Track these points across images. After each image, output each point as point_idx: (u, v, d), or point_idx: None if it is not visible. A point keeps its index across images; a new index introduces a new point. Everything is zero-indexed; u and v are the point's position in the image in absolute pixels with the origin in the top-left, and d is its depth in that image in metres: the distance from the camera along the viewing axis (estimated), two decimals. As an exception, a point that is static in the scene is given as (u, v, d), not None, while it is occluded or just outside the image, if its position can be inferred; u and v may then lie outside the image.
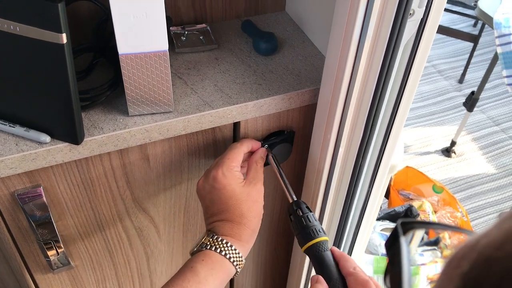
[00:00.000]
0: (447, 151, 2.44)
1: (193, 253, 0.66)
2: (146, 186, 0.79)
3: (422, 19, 0.65)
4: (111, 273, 0.89)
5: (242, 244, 0.66)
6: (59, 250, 0.77)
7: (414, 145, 2.48)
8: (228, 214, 0.67)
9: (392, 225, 1.75)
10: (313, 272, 0.96)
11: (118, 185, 0.76)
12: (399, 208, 1.82)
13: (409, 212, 1.81)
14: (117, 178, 0.75)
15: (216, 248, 0.64)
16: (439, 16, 0.66)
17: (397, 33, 0.63)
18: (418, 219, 1.76)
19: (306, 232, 0.66)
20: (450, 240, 1.70)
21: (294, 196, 0.71)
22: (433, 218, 1.82)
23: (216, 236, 0.65)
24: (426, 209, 1.84)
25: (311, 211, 0.68)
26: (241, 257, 0.66)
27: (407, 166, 2.02)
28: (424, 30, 0.67)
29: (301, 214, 0.67)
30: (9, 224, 0.72)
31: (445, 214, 1.86)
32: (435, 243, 1.72)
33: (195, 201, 0.87)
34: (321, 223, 0.69)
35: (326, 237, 0.66)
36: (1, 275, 0.98)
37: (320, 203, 0.86)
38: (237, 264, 0.65)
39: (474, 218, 2.13)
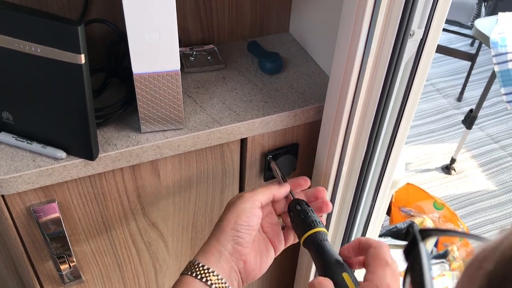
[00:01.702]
0: (447, 168, 2.46)
1: None
2: (156, 201, 0.81)
3: (421, 39, 0.68)
4: (119, 287, 0.91)
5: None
6: (71, 264, 0.79)
7: (414, 163, 2.51)
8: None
9: (394, 241, 1.76)
10: (313, 271, 0.97)
11: (129, 200, 0.78)
12: (401, 224, 1.83)
13: (410, 228, 1.83)
14: (128, 193, 0.77)
15: (191, 272, 0.60)
16: (437, 36, 0.70)
17: (398, 53, 0.66)
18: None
19: (305, 224, 0.65)
20: (458, 252, 1.72)
21: (294, 196, 0.72)
22: (434, 234, 1.84)
23: (193, 261, 0.62)
24: (427, 226, 1.86)
25: (309, 207, 0.69)
26: (220, 277, 0.60)
27: (408, 183, 2.04)
28: (424, 50, 0.70)
29: (299, 208, 0.67)
30: (23, 238, 0.74)
31: (446, 231, 1.88)
32: (444, 256, 1.73)
33: (203, 216, 0.89)
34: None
35: (325, 230, 0.66)
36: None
37: (324, 217, 0.88)
38: (214, 283, 0.60)
39: (475, 235, 2.14)
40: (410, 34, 0.66)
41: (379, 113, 0.73)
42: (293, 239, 0.70)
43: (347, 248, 0.61)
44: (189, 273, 0.59)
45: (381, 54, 0.67)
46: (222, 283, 0.60)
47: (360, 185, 0.83)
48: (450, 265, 1.69)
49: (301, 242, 0.66)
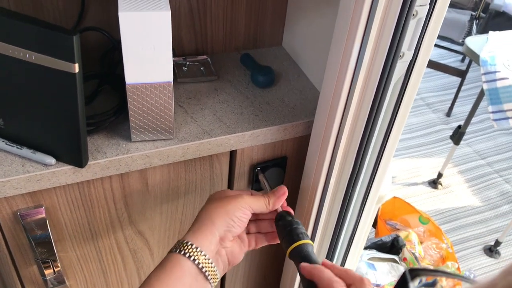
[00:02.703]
0: (434, 183, 2.49)
1: None
2: (143, 210, 0.82)
3: (411, 61, 0.69)
4: (104, 294, 0.91)
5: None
6: (56, 269, 0.79)
7: (401, 176, 2.53)
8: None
9: (379, 254, 1.78)
10: (297, 282, 0.98)
11: (116, 208, 0.79)
12: (386, 238, 1.85)
13: (395, 242, 1.84)
14: (116, 201, 0.78)
15: (176, 249, 0.63)
16: (427, 57, 0.71)
17: (388, 73, 0.68)
18: (405, 248, 1.79)
19: (291, 235, 0.67)
20: (446, 282, 1.73)
21: (281, 208, 0.73)
22: (419, 248, 1.86)
23: (181, 240, 0.64)
24: (412, 240, 1.88)
25: (295, 219, 0.70)
26: (204, 253, 0.62)
27: (394, 197, 2.06)
28: (413, 71, 0.71)
29: (286, 220, 0.69)
30: (9, 242, 0.74)
31: (431, 245, 1.90)
32: (432, 285, 1.74)
33: (189, 225, 0.89)
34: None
35: (311, 242, 0.67)
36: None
37: (310, 229, 0.89)
38: (199, 263, 0.62)
39: (459, 250, 2.16)
40: (400, 56, 0.67)
41: (368, 129, 0.74)
42: (254, 245, 0.73)
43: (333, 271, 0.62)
44: (177, 251, 0.62)
45: (371, 73, 0.68)
46: (209, 263, 0.62)
47: (347, 199, 0.84)
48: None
49: (287, 254, 0.67)
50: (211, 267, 0.63)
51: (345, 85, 0.69)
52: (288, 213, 0.71)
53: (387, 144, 0.80)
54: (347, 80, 0.68)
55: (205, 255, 0.62)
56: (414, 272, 0.37)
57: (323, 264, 0.63)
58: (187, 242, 0.62)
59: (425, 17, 0.65)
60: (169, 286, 0.60)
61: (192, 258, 0.61)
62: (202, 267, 0.61)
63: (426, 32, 0.67)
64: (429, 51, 0.71)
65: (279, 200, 0.71)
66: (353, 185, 0.83)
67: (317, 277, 0.60)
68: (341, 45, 0.66)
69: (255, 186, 0.86)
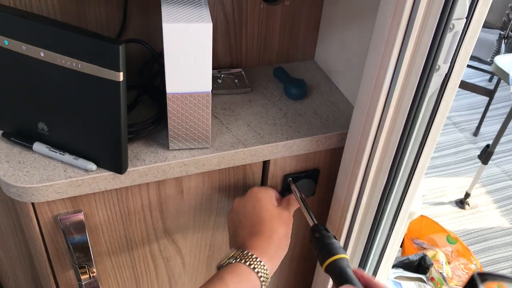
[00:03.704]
0: (461, 203, 2.45)
1: (220, 267, 0.68)
2: (177, 218, 0.83)
3: (446, 74, 0.70)
4: (135, 301, 0.92)
5: (270, 260, 0.69)
6: (91, 275, 0.80)
7: (428, 195, 2.50)
8: (259, 227, 0.71)
9: (405, 273, 1.75)
10: None
11: (152, 215, 0.80)
12: (413, 256, 1.82)
13: (422, 261, 1.81)
14: (152, 209, 0.79)
15: (245, 261, 0.66)
16: (462, 71, 0.71)
17: (424, 86, 0.68)
18: (433, 268, 1.76)
19: (327, 249, 0.67)
20: None
21: (315, 220, 0.74)
22: (446, 268, 1.82)
23: (246, 251, 0.68)
24: (440, 259, 1.85)
25: (330, 233, 0.71)
26: (267, 273, 0.68)
27: (421, 215, 2.03)
28: (448, 84, 0.72)
29: (321, 234, 0.70)
30: (48, 246, 0.76)
31: (459, 266, 1.86)
32: None
33: (221, 235, 0.90)
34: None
35: (347, 256, 0.68)
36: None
37: (342, 243, 0.89)
38: (263, 280, 0.67)
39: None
40: (436, 69, 0.68)
41: (402, 143, 0.75)
42: None
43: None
44: (242, 262, 0.66)
45: (406, 86, 0.69)
46: (266, 274, 0.68)
47: (379, 214, 0.84)
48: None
49: (323, 267, 0.67)
50: (267, 277, 0.68)
51: (381, 98, 0.69)
52: (322, 226, 0.72)
53: (420, 159, 0.80)
54: (383, 93, 0.69)
55: (264, 266, 0.67)
56: (482, 277, 0.37)
57: (354, 272, 0.64)
58: (252, 255, 0.67)
59: (461, 31, 0.65)
60: None
61: (256, 270, 0.66)
62: (261, 276, 0.67)
63: (462, 45, 0.67)
64: (464, 65, 0.71)
65: None
66: (385, 201, 0.83)
67: None
68: (378, 58, 0.67)
69: (286, 195, 0.87)
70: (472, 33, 0.67)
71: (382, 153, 0.76)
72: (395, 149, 0.75)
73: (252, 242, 0.70)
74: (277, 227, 0.72)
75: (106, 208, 0.76)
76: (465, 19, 0.64)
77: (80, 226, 0.75)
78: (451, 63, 0.69)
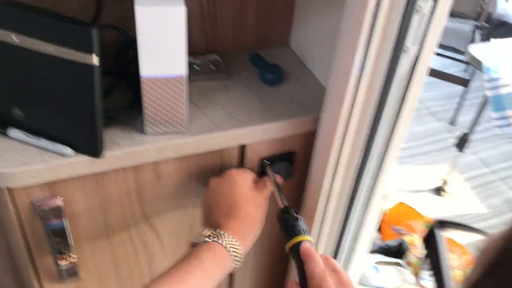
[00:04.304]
0: (439, 190, 2.50)
1: (194, 245, 0.70)
2: (155, 203, 0.84)
3: (415, 56, 0.72)
4: (115, 286, 0.93)
5: (243, 241, 0.71)
6: (71, 260, 0.81)
7: (406, 183, 2.54)
8: (234, 209, 0.73)
9: (384, 258, 1.79)
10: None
11: (130, 200, 0.81)
12: (392, 242, 1.86)
13: (401, 246, 1.85)
14: (129, 193, 0.80)
15: (220, 241, 0.68)
16: (431, 54, 0.74)
17: (393, 68, 0.70)
18: (410, 252, 1.80)
19: (292, 231, 0.69)
20: (458, 261, 1.76)
21: (285, 202, 0.76)
22: (424, 253, 1.87)
23: (221, 231, 0.70)
24: (417, 245, 1.89)
25: (299, 215, 0.73)
26: (241, 253, 0.70)
27: (400, 202, 2.07)
28: (417, 66, 0.74)
29: (289, 215, 0.72)
30: (26, 231, 0.76)
31: (436, 250, 1.91)
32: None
33: (200, 220, 0.91)
34: (316, 248, 0.74)
35: (312, 239, 0.70)
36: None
37: (318, 224, 0.91)
38: (237, 260, 0.69)
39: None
40: (405, 50, 0.70)
41: (374, 125, 0.77)
42: None
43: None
44: (218, 241, 0.68)
45: (376, 68, 0.71)
46: (239, 251, 0.70)
47: (353, 195, 0.86)
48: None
49: (287, 248, 0.69)
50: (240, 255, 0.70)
51: (351, 80, 0.71)
52: (290, 208, 0.74)
53: (392, 141, 0.82)
54: (353, 76, 0.71)
55: (238, 246, 0.69)
56: (442, 224, 0.39)
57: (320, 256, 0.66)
58: (227, 235, 0.69)
59: (428, 13, 0.67)
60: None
61: (230, 250, 0.68)
62: (235, 256, 0.69)
63: (430, 27, 0.69)
64: (433, 47, 0.73)
65: None
66: (359, 181, 0.85)
67: (310, 267, 0.64)
68: (348, 41, 0.69)
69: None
70: (439, 16, 0.69)
71: (354, 135, 0.78)
72: (367, 131, 0.77)
73: (227, 222, 0.72)
74: (252, 210, 0.75)
75: (84, 193, 0.76)
76: (432, 1, 0.66)
77: (58, 212, 0.75)
78: (420, 45, 0.71)
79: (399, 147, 0.85)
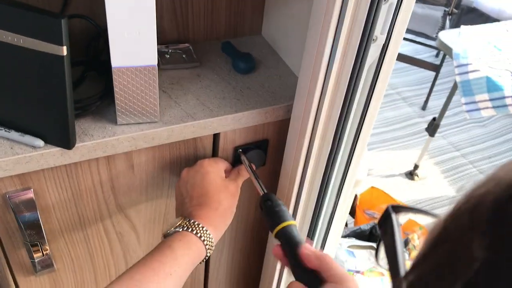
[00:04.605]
0: (411, 174, 2.56)
1: (166, 235, 0.71)
2: (129, 193, 0.84)
3: (384, 45, 0.73)
4: (90, 277, 0.93)
5: (215, 230, 0.72)
6: (44, 252, 0.81)
7: (378, 168, 2.59)
8: (206, 198, 0.74)
9: (358, 242, 1.82)
10: (285, 277, 1.02)
11: (103, 190, 0.81)
12: (365, 226, 1.90)
13: (373, 230, 1.89)
14: (102, 184, 0.80)
15: (192, 230, 0.69)
16: (399, 42, 0.75)
17: (362, 56, 0.72)
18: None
19: (277, 216, 0.70)
20: (419, 240, 1.79)
21: (264, 189, 0.77)
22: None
23: (193, 220, 0.71)
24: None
25: (280, 201, 0.74)
26: (213, 241, 0.71)
27: (372, 187, 2.11)
28: (386, 54, 0.75)
29: (272, 202, 0.73)
30: (-2, 225, 0.76)
31: (409, 233, 1.96)
32: (404, 244, 1.80)
33: (174, 208, 0.92)
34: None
35: (296, 223, 0.71)
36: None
37: (291, 211, 0.92)
38: (208, 248, 0.71)
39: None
40: (373, 39, 0.71)
41: (344, 111, 0.78)
42: None
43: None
44: (189, 230, 0.69)
45: (346, 56, 0.72)
46: (211, 241, 0.72)
47: (324, 182, 0.88)
48: (409, 254, 1.76)
49: (274, 234, 0.71)
50: (212, 244, 0.72)
51: (322, 69, 0.72)
52: (272, 194, 0.75)
53: (363, 127, 0.84)
54: (323, 64, 0.72)
55: (210, 235, 0.71)
56: (396, 208, 0.41)
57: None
58: (198, 224, 0.70)
59: (396, 2, 0.69)
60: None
61: (202, 239, 0.69)
62: (206, 244, 0.70)
63: (398, 17, 0.71)
64: (400, 36, 0.75)
65: None
66: (331, 167, 0.87)
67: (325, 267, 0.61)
68: (317, 30, 0.70)
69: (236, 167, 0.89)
70: (406, 6, 0.71)
71: (325, 122, 0.79)
72: (338, 117, 0.79)
73: (199, 212, 0.73)
74: (224, 199, 0.76)
75: (56, 184, 0.76)
76: (399, -9, 0.67)
77: (30, 204, 0.74)
78: (388, 34, 0.73)
79: (370, 132, 0.87)
